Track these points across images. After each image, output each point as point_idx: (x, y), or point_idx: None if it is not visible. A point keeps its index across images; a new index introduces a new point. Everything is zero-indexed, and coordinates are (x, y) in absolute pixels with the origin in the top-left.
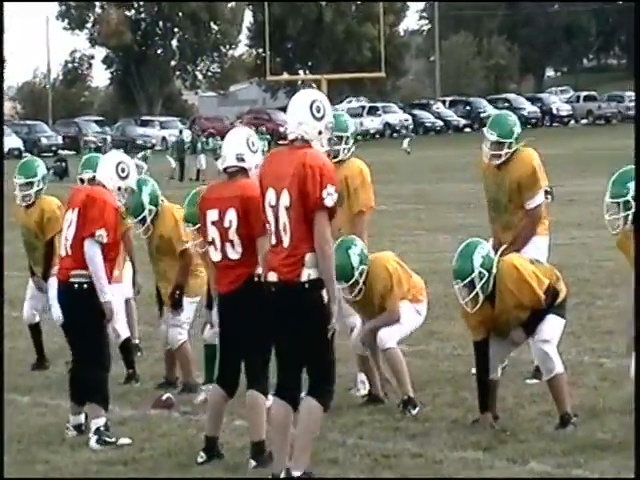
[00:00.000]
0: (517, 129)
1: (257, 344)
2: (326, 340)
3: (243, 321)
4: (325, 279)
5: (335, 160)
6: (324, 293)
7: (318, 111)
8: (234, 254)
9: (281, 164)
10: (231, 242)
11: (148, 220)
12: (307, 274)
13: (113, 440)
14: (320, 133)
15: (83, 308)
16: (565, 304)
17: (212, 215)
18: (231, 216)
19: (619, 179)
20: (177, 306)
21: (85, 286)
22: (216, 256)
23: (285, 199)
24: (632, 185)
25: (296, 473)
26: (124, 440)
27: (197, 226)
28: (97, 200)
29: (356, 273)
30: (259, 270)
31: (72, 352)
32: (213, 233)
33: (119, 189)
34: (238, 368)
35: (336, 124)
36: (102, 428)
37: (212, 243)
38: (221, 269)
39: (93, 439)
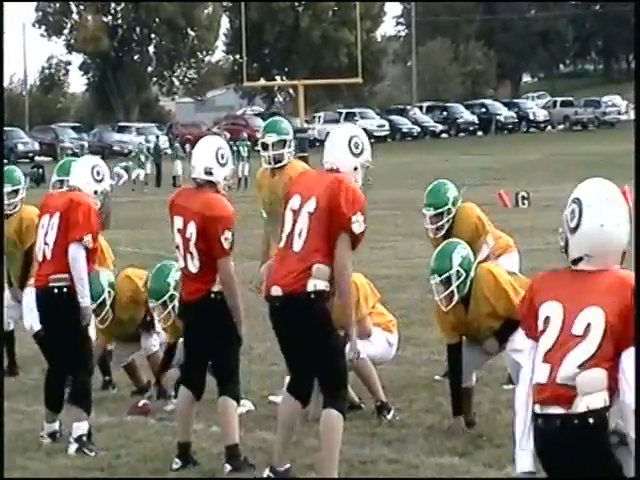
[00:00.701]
0: (451, 193)
1: (223, 352)
2: (336, 348)
3: (205, 329)
4: (343, 302)
5: (279, 165)
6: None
7: (356, 147)
8: (192, 267)
9: (315, 178)
10: (191, 254)
11: (107, 304)
12: (313, 284)
13: (93, 454)
14: (355, 169)
15: (64, 313)
16: None
17: (178, 222)
18: (192, 229)
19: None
20: (150, 328)
21: (65, 290)
22: (181, 262)
23: (311, 205)
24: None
25: None
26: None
27: (161, 301)
28: (81, 205)
29: None
30: (216, 287)
31: (47, 359)
32: (178, 240)
33: (95, 192)
34: (203, 371)
35: (277, 129)
36: (84, 438)
37: (178, 248)
38: (184, 276)
39: (73, 447)
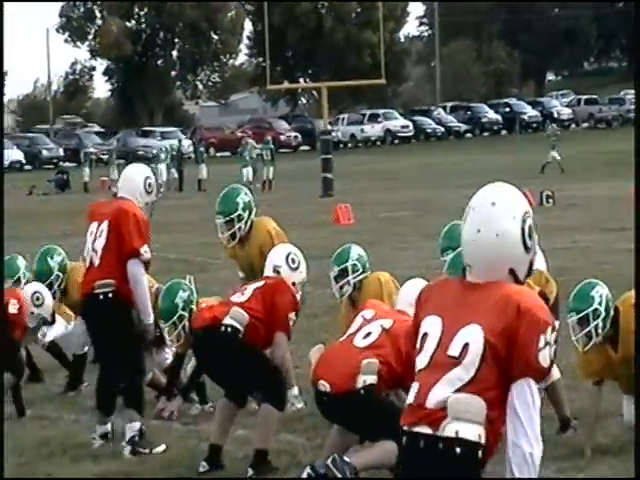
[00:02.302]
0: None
1: (263, 376)
2: (385, 411)
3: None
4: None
5: (237, 241)
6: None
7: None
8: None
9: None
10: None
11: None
12: (363, 380)
13: (147, 451)
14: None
15: (111, 317)
16: (557, 304)
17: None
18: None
19: (579, 293)
20: (161, 342)
21: (110, 295)
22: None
23: None
24: (596, 293)
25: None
26: (159, 449)
27: (170, 322)
28: (129, 214)
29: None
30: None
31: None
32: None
33: (146, 204)
34: (245, 391)
35: (223, 210)
36: (137, 438)
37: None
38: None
39: (127, 449)
